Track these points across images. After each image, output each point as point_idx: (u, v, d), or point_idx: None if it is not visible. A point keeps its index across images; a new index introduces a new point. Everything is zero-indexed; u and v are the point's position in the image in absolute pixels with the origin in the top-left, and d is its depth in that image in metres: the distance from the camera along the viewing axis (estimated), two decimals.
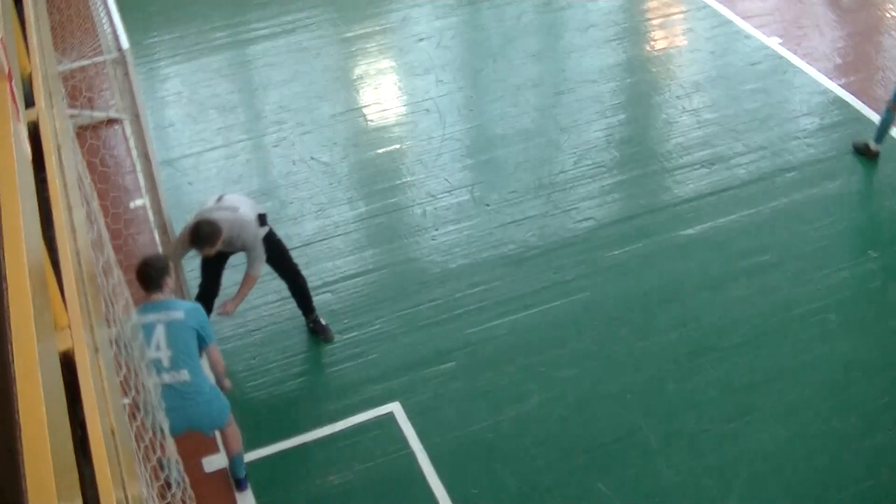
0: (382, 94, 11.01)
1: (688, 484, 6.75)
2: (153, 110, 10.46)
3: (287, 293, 7.89)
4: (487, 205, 9.23)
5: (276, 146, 10.18)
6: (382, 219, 9.12)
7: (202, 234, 6.80)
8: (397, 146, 10.11)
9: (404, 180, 9.62)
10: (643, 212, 9.08)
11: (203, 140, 10.30)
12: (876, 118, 9.97)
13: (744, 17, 12.28)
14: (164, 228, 7.56)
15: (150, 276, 6.17)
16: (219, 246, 6.92)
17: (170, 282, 6.27)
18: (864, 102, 10.64)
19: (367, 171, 9.78)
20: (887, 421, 7.16)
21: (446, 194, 9.38)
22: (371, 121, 10.54)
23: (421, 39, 11.95)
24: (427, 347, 7.85)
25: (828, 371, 7.58)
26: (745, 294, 8.29)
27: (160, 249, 8.07)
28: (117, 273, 4.50)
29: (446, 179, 9.59)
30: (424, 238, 8.89)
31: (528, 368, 7.63)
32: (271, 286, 8.21)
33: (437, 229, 8.96)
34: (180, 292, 7.41)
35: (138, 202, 9.29)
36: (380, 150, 10.04)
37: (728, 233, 8.91)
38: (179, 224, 7.77)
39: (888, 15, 12.46)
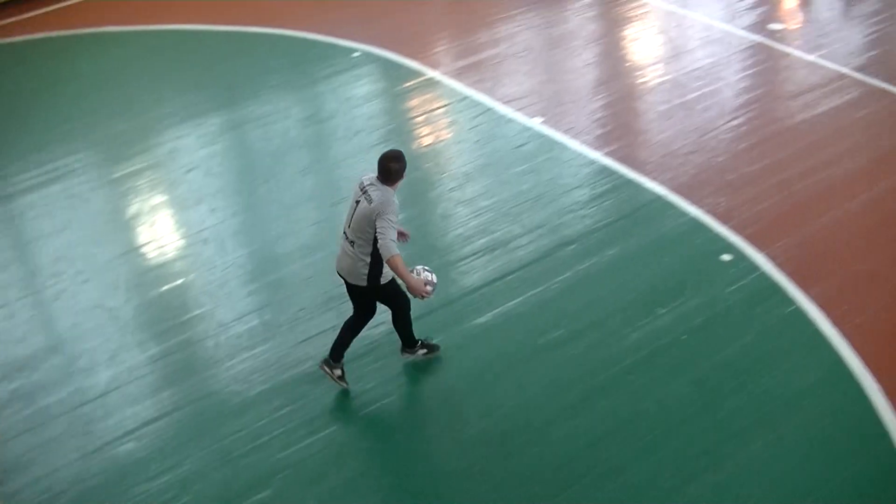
0: (158, 230, 11.99)
1: None
2: None
3: None
4: (279, 326, 10.32)
5: (56, 299, 10.96)
6: (176, 357, 10.04)
7: None
8: (181, 280, 11.10)
9: (193, 314, 10.60)
10: (435, 307, 10.38)
11: None
12: (644, 181, 11.80)
13: (504, 102, 14.03)
14: None
15: None
16: None
17: None
18: (629, 167, 12.44)
19: (154, 310, 10.71)
20: (699, 469, 8.58)
21: (237, 322, 10.43)
22: (151, 259, 11.50)
23: (190, 170, 13.05)
24: (240, 480, 8.67)
25: (637, 430, 8.94)
26: (546, 370, 9.61)
27: None
28: None
29: (234, 307, 10.64)
30: (221, 369, 9.86)
31: (352, 481, 8.70)
32: None
33: (232, 359, 9.95)
34: None
35: None
36: (164, 288, 11.00)
37: (520, 314, 10.30)
38: None
39: (638, 82, 14.52)
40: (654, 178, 12.27)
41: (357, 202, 8.72)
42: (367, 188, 8.66)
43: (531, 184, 12.00)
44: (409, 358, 9.77)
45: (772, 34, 16.12)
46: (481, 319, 10.20)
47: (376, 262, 8.73)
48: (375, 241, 8.53)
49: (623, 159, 12.55)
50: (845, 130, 13.32)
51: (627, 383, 9.43)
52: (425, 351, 9.76)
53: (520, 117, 13.59)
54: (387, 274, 8.85)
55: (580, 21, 16.66)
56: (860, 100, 14.14)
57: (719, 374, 9.51)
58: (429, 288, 8.92)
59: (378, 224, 8.44)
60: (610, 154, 12.72)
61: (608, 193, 11.96)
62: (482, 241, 11.20)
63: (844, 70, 14.93)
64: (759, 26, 16.37)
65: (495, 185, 12.13)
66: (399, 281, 8.83)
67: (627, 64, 15.32)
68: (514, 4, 17.17)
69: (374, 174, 8.67)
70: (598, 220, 11.43)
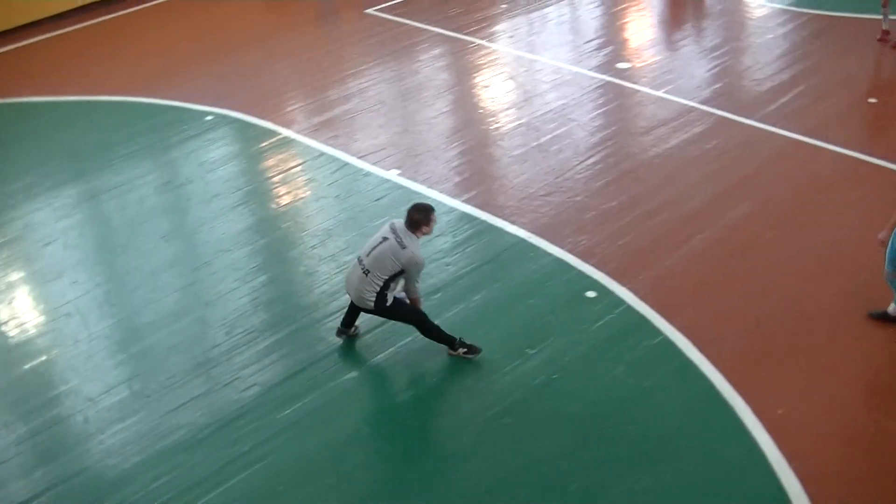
0: (18, 307, 12.00)
1: None
2: None
3: None
4: (148, 396, 10.48)
5: None
6: (45, 435, 10.08)
7: None
8: (45, 357, 11.16)
9: (60, 390, 10.68)
10: (305, 366, 10.68)
11: None
12: (504, 225, 12.34)
13: (360, 157, 14.49)
14: None
15: None
16: None
17: None
18: (489, 212, 12.99)
19: (18, 390, 10.74)
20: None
21: (105, 395, 10.56)
22: (12, 337, 11.51)
23: (47, 244, 13.13)
24: None
25: (519, 474, 9.34)
26: (422, 422, 9.99)
27: None
28: None
29: (102, 380, 10.76)
30: (93, 444, 9.97)
31: None
32: None
33: (103, 432, 10.07)
34: None
35: None
36: (27, 366, 11.05)
37: (390, 367, 10.67)
38: None
39: (492, 128, 15.14)
40: (515, 222, 12.81)
41: (385, 238, 10.02)
42: (398, 231, 10.01)
43: None
44: (454, 356, 10.59)
45: (619, 73, 16.96)
46: (353, 374, 10.53)
47: (382, 295, 10.06)
48: (389, 281, 10.00)
49: (482, 205, 13.08)
50: (697, 162, 14.11)
51: (503, 427, 9.81)
52: (465, 350, 10.55)
53: (377, 170, 14.06)
54: (389, 297, 10.11)
55: (430, 71, 17.27)
56: (709, 131, 14.97)
57: (594, 410, 9.96)
58: None
59: (407, 276, 10.08)
60: (469, 201, 13.25)
61: (470, 240, 12.45)
62: (347, 296, 11.52)
63: (692, 104, 15.80)
64: (606, 66, 17.20)
65: (358, 239, 12.52)
66: (400, 296, 10.28)
67: (480, 111, 15.93)
68: (363, 60, 17.71)
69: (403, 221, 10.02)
70: (462, 267, 11.89)
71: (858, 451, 9.39)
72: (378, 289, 10.06)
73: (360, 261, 10.16)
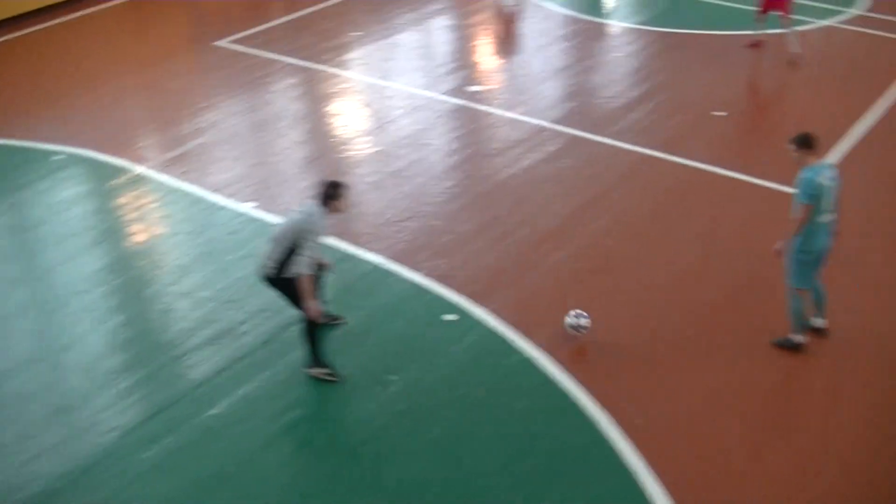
0: None
1: None
2: None
3: None
4: (4, 447, 10.08)
5: None
6: None
7: None
8: None
9: None
10: (165, 405, 10.56)
11: None
12: (361, 253, 12.38)
13: (214, 191, 14.40)
14: None
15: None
16: None
17: None
18: (345, 240, 12.98)
19: None
20: None
21: None
22: None
23: None
24: None
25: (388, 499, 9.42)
26: (287, 454, 9.92)
27: None
28: None
29: None
30: None
31: None
32: None
33: None
34: None
35: None
36: None
37: (251, 401, 10.62)
38: None
39: (347, 155, 15.18)
40: (371, 249, 12.89)
41: (293, 214, 10.49)
42: (306, 206, 10.40)
43: (250, 269, 12.35)
44: (312, 374, 10.82)
45: (472, 96, 17.20)
46: (214, 411, 10.44)
47: (283, 266, 10.34)
48: (291, 251, 10.21)
49: (339, 233, 13.09)
50: (552, 180, 14.38)
51: (368, 454, 9.85)
52: (326, 371, 10.78)
53: (232, 204, 13.99)
54: (290, 271, 10.27)
55: (284, 102, 17.28)
56: (562, 150, 15.29)
57: (458, 431, 10.07)
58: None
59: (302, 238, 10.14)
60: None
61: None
62: (206, 331, 11.47)
63: (545, 123, 16.11)
64: (459, 90, 17.43)
65: (214, 274, 12.44)
66: None
67: (334, 139, 15.99)
68: (215, 92, 17.62)
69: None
70: (321, 296, 11.85)
71: (714, 463, 9.61)
72: (279, 256, 10.31)
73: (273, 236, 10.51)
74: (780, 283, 11.00)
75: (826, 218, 10.47)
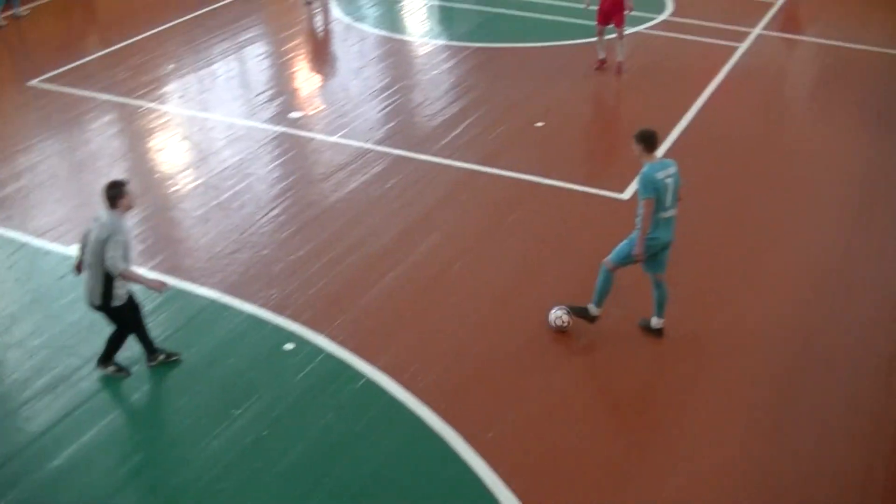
0: None
1: None
2: None
3: None
4: None
5: None
6: None
7: None
8: None
9: None
10: (3, 462, 10.27)
11: None
12: (194, 288, 12.30)
13: (38, 235, 14.08)
14: None
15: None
16: None
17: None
18: (177, 277, 12.89)
19: None
20: None
21: None
22: None
23: None
24: None
25: None
26: (136, 500, 9.77)
27: None
28: None
29: None
30: None
31: None
32: None
33: None
34: None
35: None
36: None
37: (98, 448, 10.41)
38: None
39: (171, 191, 15.04)
40: (204, 283, 12.81)
41: (91, 230, 10.63)
42: (100, 216, 10.54)
43: (81, 313, 12.14)
44: (154, 364, 11.37)
45: (293, 123, 17.25)
46: (56, 462, 10.23)
47: (108, 292, 10.61)
48: (110, 275, 10.48)
49: (169, 270, 13.01)
50: (379, 201, 14.55)
51: (219, 493, 9.77)
52: (165, 356, 11.42)
53: (57, 247, 13.73)
54: (117, 298, 10.63)
55: (103, 140, 17.01)
56: (387, 170, 15.48)
57: (309, 460, 10.10)
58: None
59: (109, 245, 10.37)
60: (155, 268, 13.14)
61: (161, 307, 12.34)
62: (41, 381, 11.25)
63: (368, 145, 16.28)
64: (279, 117, 17.47)
65: (45, 321, 12.20)
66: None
67: (157, 175, 15.83)
68: (30, 134, 17.24)
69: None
70: (156, 336, 11.72)
71: (562, 465, 9.90)
72: (103, 280, 10.52)
73: (86, 263, 10.69)
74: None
75: (667, 213, 10.99)
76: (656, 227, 10.98)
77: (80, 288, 12.22)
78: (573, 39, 20.76)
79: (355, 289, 12.61)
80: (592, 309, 11.76)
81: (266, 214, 14.37)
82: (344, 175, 15.40)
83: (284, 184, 15.25)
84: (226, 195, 14.91)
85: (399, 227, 13.93)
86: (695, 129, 16.99)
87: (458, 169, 15.45)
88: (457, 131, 16.69)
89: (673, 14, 22.52)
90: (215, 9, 23.65)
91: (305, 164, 15.98)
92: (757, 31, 21.84)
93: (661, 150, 15.40)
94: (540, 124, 17.19)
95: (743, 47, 20.79)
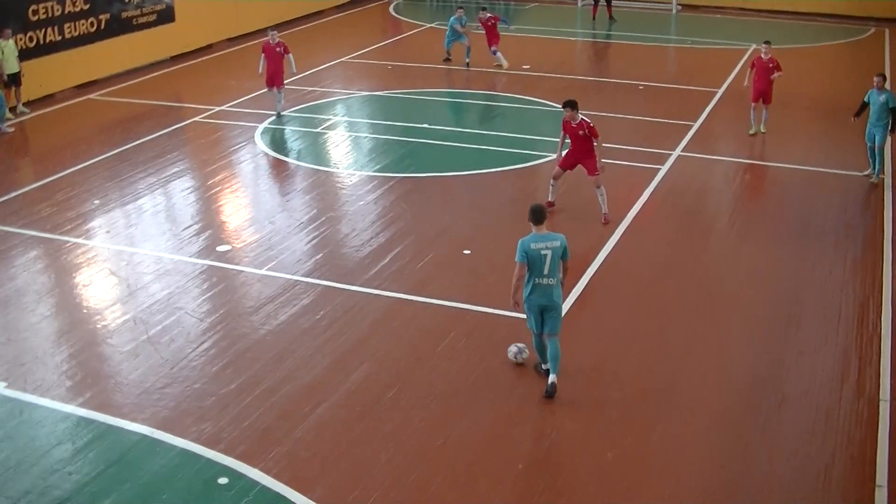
0: None
1: None
2: None
3: None
4: None
5: None
6: None
7: None
8: None
9: None
10: None
11: None
12: (125, 424, 12.16)
13: None
14: None
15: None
16: None
17: None
18: (107, 413, 12.75)
19: None
20: None
21: None
22: None
23: None
24: None
25: None
26: None
27: None
28: None
29: None
30: None
31: None
32: None
33: None
34: None
35: None
36: None
37: None
38: None
39: (99, 326, 14.97)
40: (135, 419, 12.67)
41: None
42: None
43: (7, 452, 11.95)
44: None
45: (221, 256, 17.31)
46: None
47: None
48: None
49: (99, 406, 12.87)
50: (309, 333, 14.59)
51: None
52: None
53: None
54: None
55: (28, 276, 16.89)
56: (316, 301, 15.55)
57: None
58: None
59: None
60: (84, 404, 12.98)
61: (91, 444, 12.18)
62: None
63: (296, 277, 16.37)
64: (207, 251, 17.52)
65: None
66: None
67: (85, 310, 15.72)
68: None
69: None
70: (87, 473, 11.59)
71: None
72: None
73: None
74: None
75: (543, 280, 12.61)
76: (533, 291, 12.67)
77: (6, 426, 12.12)
78: (497, 167, 21.13)
79: (289, 420, 12.57)
80: (547, 372, 13.10)
81: (196, 348, 14.31)
82: (273, 307, 15.43)
83: (214, 317, 15.22)
84: (155, 329, 14.84)
85: (330, 358, 13.97)
86: (621, 250, 17.31)
87: (388, 298, 15.59)
88: (385, 261, 16.88)
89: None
90: (140, 143, 23.80)
91: (234, 297, 15.99)
92: (677, 152, 22.42)
93: (588, 272, 15.76)
94: (467, 252, 17.39)
95: (664, 168, 21.30)
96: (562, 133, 18.70)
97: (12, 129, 25.11)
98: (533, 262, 12.52)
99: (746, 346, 14.36)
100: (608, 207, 18.60)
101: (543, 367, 13.28)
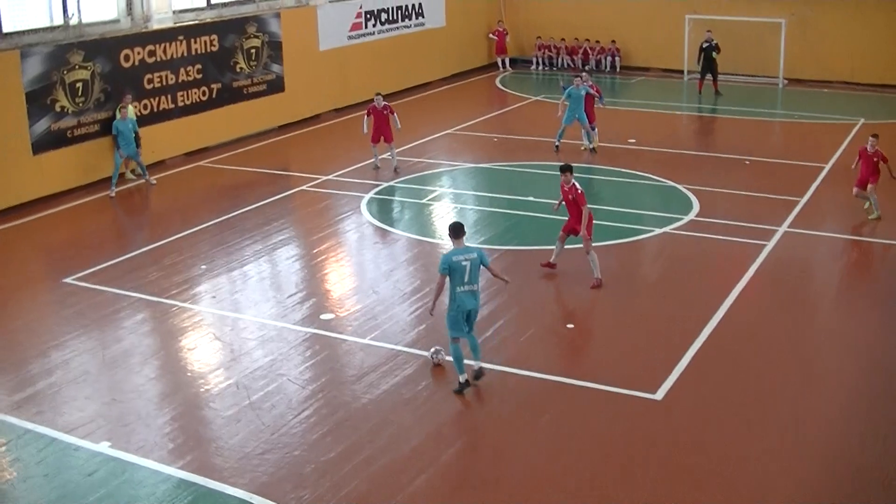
0: None
1: None
2: None
3: None
4: None
5: None
6: None
7: None
8: None
9: None
10: None
11: None
12: (224, 488, 12.30)
13: (68, 431, 14.16)
14: None
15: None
16: None
17: None
18: (207, 476, 12.93)
19: None
20: None
21: None
22: None
23: None
24: None
25: None
26: None
27: None
28: None
29: None
30: None
31: None
32: None
33: None
34: None
35: None
36: None
37: None
38: None
39: (202, 390, 15.21)
40: (235, 484, 12.82)
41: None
42: None
43: None
44: None
45: (325, 324, 17.49)
46: None
47: None
48: None
49: (199, 469, 13.04)
50: (409, 403, 14.65)
51: None
52: None
53: (87, 444, 13.79)
54: None
55: (135, 338, 17.25)
56: (417, 372, 15.61)
57: None
58: None
59: None
60: (185, 467, 13.17)
61: None
62: None
63: (398, 347, 16.47)
64: (311, 318, 17.71)
65: None
66: None
67: (189, 374, 15.99)
68: (63, 330, 17.51)
69: None
70: None
71: None
72: None
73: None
74: None
75: (464, 288, 14.66)
76: (455, 298, 14.71)
77: (108, 485, 12.33)
78: (600, 242, 21.05)
79: (386, 491, 12.63)
80: (461, 377, 14.84)
81: (297, 415, 14.44)
82: (375, 377, 15.54)
83: (315, 385, 15.37)
84: (257, 395, 15.02)
85: (429, 429, 14.01)
86: (725, 326, 17.11)
87: (489, 371, 15.54)
88: (488, 333, 16.89)
89: (699, 214, 22.93)
90: (247, 211, 24.23)
91: (336, 365, 16.14)
92: (783, 228, 22.15)
93: (692, 349, 15.61)
94: (570, 326, 17.37)
95: (770, 244, 21.06)
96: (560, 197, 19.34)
97: (114, 194, 25.79)
98: (455, 273, 14.59)
99: (852, 424, 14.02)
100: (600, 272, 19.06)
101: (476, 366, 15.18)
